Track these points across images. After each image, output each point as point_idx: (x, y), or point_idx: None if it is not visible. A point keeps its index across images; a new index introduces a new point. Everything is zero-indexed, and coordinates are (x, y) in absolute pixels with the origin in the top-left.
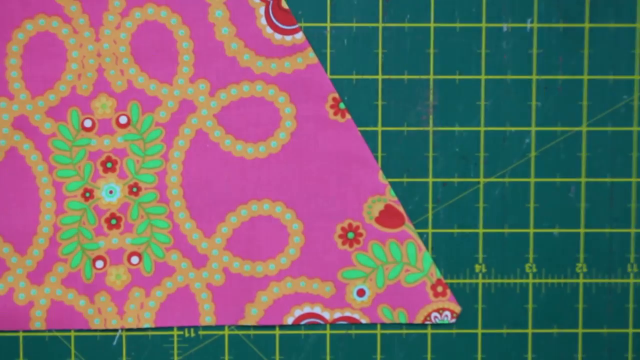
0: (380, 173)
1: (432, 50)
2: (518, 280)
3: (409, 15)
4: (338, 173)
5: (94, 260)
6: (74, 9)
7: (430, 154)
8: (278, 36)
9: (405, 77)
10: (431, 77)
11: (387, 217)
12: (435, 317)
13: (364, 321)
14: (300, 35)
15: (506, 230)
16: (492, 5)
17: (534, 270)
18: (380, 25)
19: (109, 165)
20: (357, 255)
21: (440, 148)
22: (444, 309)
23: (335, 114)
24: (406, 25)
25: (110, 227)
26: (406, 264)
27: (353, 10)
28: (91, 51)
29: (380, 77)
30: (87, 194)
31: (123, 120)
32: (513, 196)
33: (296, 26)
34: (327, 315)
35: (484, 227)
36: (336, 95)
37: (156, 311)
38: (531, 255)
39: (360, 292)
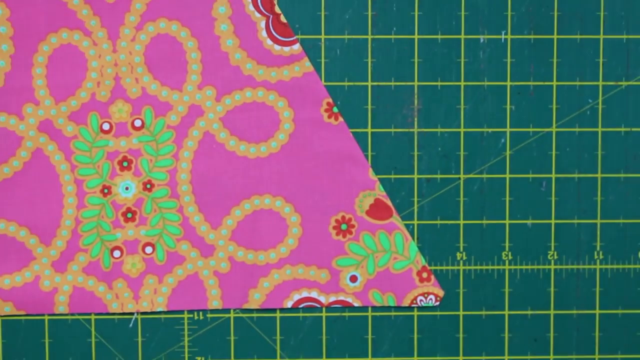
0: (370, 170)
1: (416, 60)
2: (495, 267)
3: (395, 28)
4: (332, 170)
5: (112, 250)
6: (93, 24)
7: (416, 153)
8: (277, 47)
9: (392, 83)
10: (416, 83)
11: (377, 210)
12: (421, 300)
13: (356, 304)
14: (297, 46)
15: (484, 222)
16: (470, 19)
17: (510, 257)
18: (370, 37)
19: (125, 164)
20: (349, 244)
21: (425, 147)
22: (428, 293)
23: (329, 117)
24: (393, 37)
25: (127, 220)
26: (394, 253)
27: (345, 24)
28: (109, 61)
29: (369, 83)
30: (106, 190)
31: (138, 123)
32: (490, 191)
33: (294, 38)
34: (322, 299)
35: (464, 219)
36: (330, 100)
37: (168, 296)
38: (507, 244)
39: (353, 278)
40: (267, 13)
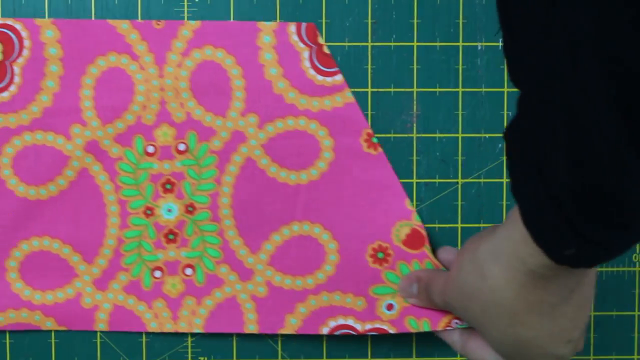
0: (407, 200)
1: (415, 66)
2: None
3: (395, 35)
4: (370, 199)
5: (153, 271)
6: (141, 48)
7: (414, 158)
8: (320, 77)
9: (392, 89)
10: (415, 89)
11: (412, 240)
12: (456, 322)
13: (392, 331)
14: (339, 77)
15: (482, 225)
16: (468, 26)
17: None
18: (370, 44)
19: (168, 186)
20: (386, 273)
21: (423, 152)
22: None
23: (369, 147)
24: (392, 44)
25: (168, 241)
26: None
27: (345, 31)
28: (155, 86)
29: (369, 89)
30: (149, 212)
31: (182, 147)
32: (487, 195)
33: (336, 69)
34: (359, 326)
35: (462, 223)
36: (370, 130)
37: (206, 318)
38: None
39: (389, 307)
40: (310, 44)
